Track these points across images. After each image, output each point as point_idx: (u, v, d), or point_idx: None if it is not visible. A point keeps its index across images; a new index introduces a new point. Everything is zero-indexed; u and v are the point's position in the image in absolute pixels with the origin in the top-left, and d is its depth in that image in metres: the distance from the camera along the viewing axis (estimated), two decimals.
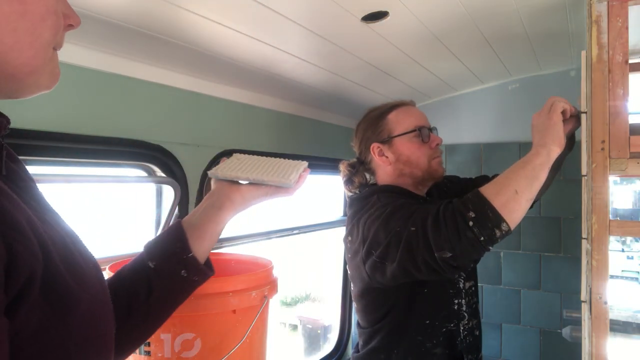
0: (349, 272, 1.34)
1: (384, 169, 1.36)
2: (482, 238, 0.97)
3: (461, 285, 1.30)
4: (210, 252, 0.80)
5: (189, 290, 0.76)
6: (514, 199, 0.99)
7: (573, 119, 1.09)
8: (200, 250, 0.76)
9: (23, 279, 0.42)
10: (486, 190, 1.02)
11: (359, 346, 1.36)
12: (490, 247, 1.01)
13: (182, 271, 0.73)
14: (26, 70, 0.49)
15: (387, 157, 1.34)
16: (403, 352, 1.24)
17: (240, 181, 0.84)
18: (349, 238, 1.29)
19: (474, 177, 1.56)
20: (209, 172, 0.86)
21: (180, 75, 1.34)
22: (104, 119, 1.16)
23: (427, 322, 1.24)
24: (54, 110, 1.03)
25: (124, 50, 1.14)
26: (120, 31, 1.04)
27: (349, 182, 1.42)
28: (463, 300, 1.30)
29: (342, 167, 1.44)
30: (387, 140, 1.33)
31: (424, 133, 1.32)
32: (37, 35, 0.49)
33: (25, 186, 0.55)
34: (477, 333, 1.35)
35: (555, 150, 1.02)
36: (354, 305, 1.39)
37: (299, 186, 0.88)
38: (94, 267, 0.55)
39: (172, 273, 0.73)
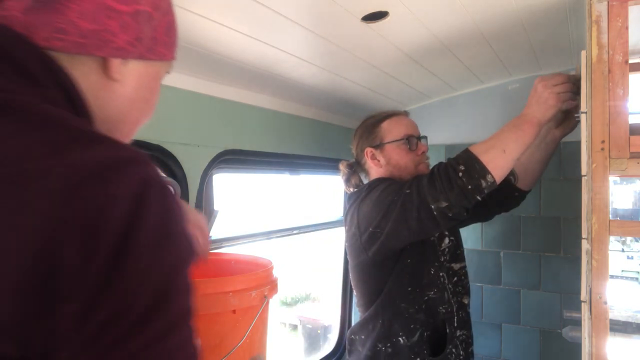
0: (347, 251, 1.47)
1: (376, 170, 1.50)
2: (469, 187, 1.15)
3: (442, 259, 1.43)
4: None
5: None
6: (502, 157, 1.18)
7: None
8: None
9: None
10: (475, 148, 1.22)
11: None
12: (479, 197, 1.17)
13: None
14: (123, 138, 0.59)
15: (378, 160, 1.49)
16: (389, 320, 1.35)
17: None
18: (347, 227, 1.43)
19: None
20: None
21: (180, 75, 1.34)
22: None
23: (409, 289, 1.35)
24: None
25: None
26: None
27: (347, 181, 1.58)
28: (445, 274, 1.41)
29: (342, 166, 1.60)
30: (380, 146, 1.48)
31: (411, 142, 1.47)
32: (146, 118, 0.62)
33: None
34: (467, 311, 1.48)
35: (542, 122, 1.21)
36: (352, 284, 1.51)
37: None
38: None
39: None
